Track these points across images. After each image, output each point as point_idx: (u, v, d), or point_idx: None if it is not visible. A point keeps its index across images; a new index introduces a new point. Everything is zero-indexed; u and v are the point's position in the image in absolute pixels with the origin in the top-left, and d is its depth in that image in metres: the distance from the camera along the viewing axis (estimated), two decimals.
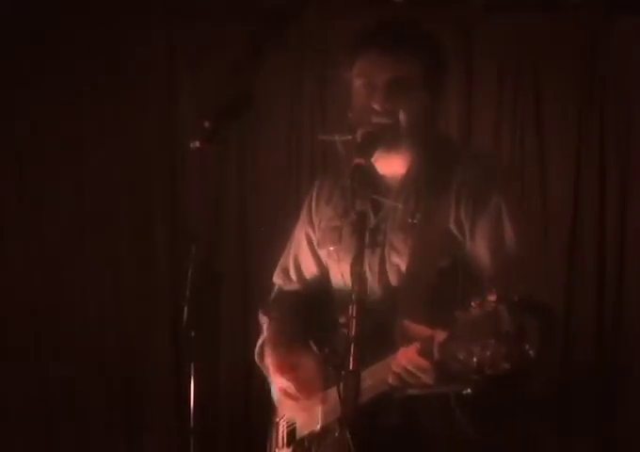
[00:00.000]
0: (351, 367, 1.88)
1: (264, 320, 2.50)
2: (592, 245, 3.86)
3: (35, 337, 4.03)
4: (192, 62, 3.97)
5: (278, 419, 2.48)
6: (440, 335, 1.88)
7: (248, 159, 4.03)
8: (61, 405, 4.03)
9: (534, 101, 3.89)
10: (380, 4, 3.67)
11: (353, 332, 1.89)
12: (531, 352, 1.73)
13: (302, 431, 2.37)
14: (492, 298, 1.75)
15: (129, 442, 4.04)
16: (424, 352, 1.95)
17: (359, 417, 1.87)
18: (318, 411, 2.30)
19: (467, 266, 2.17)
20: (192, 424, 2.27)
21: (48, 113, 3.92)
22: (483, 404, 2.01)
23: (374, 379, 2.00)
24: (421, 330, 1.98)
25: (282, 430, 2.44)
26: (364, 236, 2.01)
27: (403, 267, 2.20)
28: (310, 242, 2.46)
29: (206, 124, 2.22)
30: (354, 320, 1.89)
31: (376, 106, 2.16)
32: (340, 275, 2.34)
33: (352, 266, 1.95)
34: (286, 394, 2.37)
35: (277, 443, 2.47)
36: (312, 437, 2.31)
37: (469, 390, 1.92)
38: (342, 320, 1.97)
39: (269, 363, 2.42)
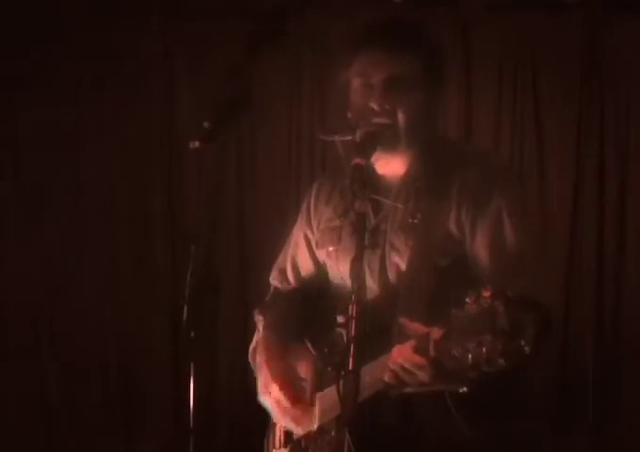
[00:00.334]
0: (350, 367, 1.88)
1: (259, 319, 2.50)
2: (591, 244, 3.86)
3: (35, 337, 4.03)
4: (192, 62, 3.97)
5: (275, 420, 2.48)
6: (436, 332, 1.87)
7: (247, 159, 4.03)
8: (61, 405, 4.03)
9: (533, 100, 3.89)
10: (380, 4, 3.67)
11: (353, 332, 1.89)
12: (526, 348, 1.72)
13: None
14: (487, 294, 1.75)
15: (128, 441, 4.04)
16: (420, 349, 1.94)
17: (357, 416, 1.87)
18: (315, 411, 2.30)
19: (467, 266, 2.17)
20: (192, 424, 2.26)
21: (47, 113, 3.92)
22: (479, 403, 2.00)
23: (370, 376, 1.99)
24: (417, 327, 1.98)
25: (280, 431, 2.44)
26: (364, 237, 2.00)
27: (403, 267, 2.20)
28: (308, 243, 2.45)
29: (205, 124, 2.22)
30: (353, 320, 1.89)
31: (374, 106, 2.16)
32: (339, 275, 2.33)
33: (352, 266, 1.95)
34: (278, 405, 2.35)
35: (274, 443, 2.46)
36: (309, 437, 2.31)
37: (465, 388, 1.92)
38: (340, 320, 1.96)
39: (261, 367, 2.41)
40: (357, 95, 2.21)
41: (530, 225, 2.24)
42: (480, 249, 2.16)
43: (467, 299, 1.77)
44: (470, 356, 1.76)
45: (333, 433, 2.20)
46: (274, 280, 2.56)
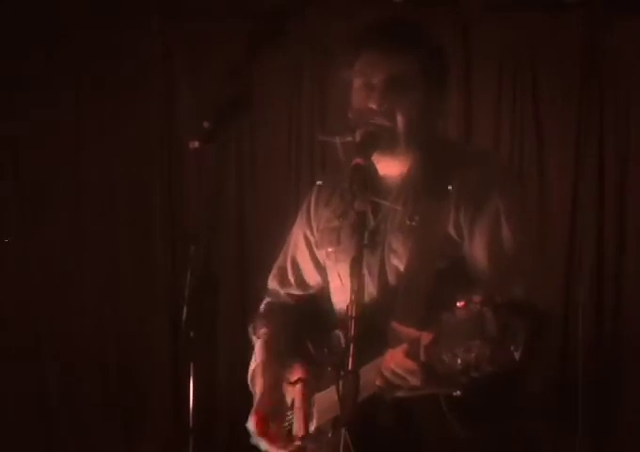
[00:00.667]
0: (350, 367, 1.88)
1: (254, 339, 2.51)
2: (591, 244, 3.85)
3: (35, 337, 4.04)
4: (191, 62, 3.98)
5: None
6: (426, 337, 1.87)
7: (247, 159, 4.03)
8: (61, 405, 4.04)
9: (533, 100, 3.89)
10: (380, 4, 3.67)
11: (352, 332, 1.89)
12: (516, 354, 1.72)
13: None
14: (477, 299, 1.74)
15: (128, 441, 4.04)
16: (411, 354, 1.93)
17: (355, 417, 1.87)
18: (313, 412, 2.31)
19: (465, 269, 2.16)
20: (192, 424, 2.26)
21: (47, 113, 3.92)
22: (473, 405, 2.00)
23: (364, 379, 2.00)
24: (409, 331, 1.97)
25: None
26: (363, 238, 2.00)
27: (402, 269, 2.20)
28: (308, 243, 2.45)
29: (205, 124, 2.22)
30: (353, 320, 1.89)
31: (373, 106, 2.16)
32: (338, 276, 2.33)
33: (351, 267, 1.95)
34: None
35: None
36: (307, 438, 2.31)
37: (458, 392, 1.92)
38: (340, 321, 1.96)
39: (254, 394, 2.44)
40: (357, 95, 2.20)
41: (528, 226, 2.23)
42: (478, 250, 2.15)
43: (457, 304, 1.77)
44: (459, 361, 1.75)
45: (330, 434, 2.20)
46: (273, 281, 2.55)
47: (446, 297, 1.83)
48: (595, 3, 3.80)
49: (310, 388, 2.32)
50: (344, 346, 1.93)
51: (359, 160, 2.06)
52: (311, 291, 2.50)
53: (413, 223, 2.19)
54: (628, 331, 3.85)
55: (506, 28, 3.86)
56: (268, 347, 2.45)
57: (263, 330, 2.48)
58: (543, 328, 1.89)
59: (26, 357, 4.02)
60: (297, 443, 2.30)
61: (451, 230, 2.17)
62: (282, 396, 2.39)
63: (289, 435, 2.35)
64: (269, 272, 2.57)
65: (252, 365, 2.49)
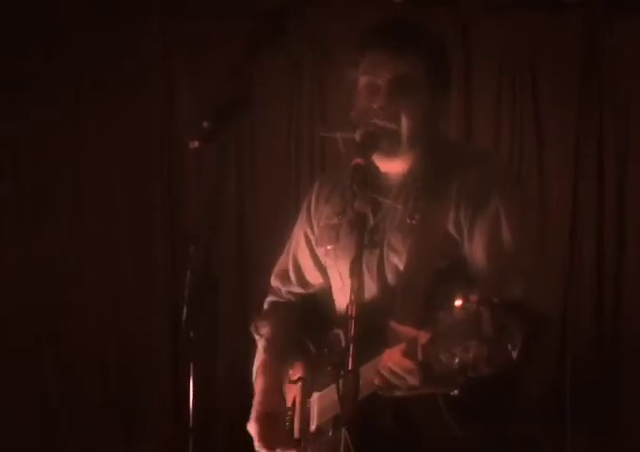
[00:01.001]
0: (350, 367, 1.88)
1: (257, 338, 2.51)
2: (591, 244, 3.85)
3: (35, 337, 4.03)
4: (191, 62, 3.97)
5: None
6: (423, 336, 1.87)
7: (247, 159, 4.03)
8: (61, 405, 4.03)
9: (533, 100, 3.89)
10: (380, 4, 3.67)
11: (352, 332, 1.89)
12: (513, 354, 1.72)
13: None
14: (474, 299, 1.74)
15: (128, 442, 4.04)
16: (409, 353, 1.93)
17: (355, 416, 1.87)
18: (313, 411, 2.31)
19: (465, 268, 2.16)
20: (192, 424, 2.26)
21: (47, 113, 3.92)
22: (471, 404, 2.00)
23: (363, 378, 2.00)
24: (407, 330, 1.98)
25: None
26: (363, 236, 2.01)
27: (401, 268, 2.20)
28: (308, 242, 2.45)
29: (205, 124, 2.22)
30: (352, 320, 1.89)
31: (376, 106, 2.16)
32: (337, 274, 2.33)
33: (351, 267, 1.95)
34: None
35: None
36: (308, 437, 2.31)
37: (456, 391, 1.92)
38: (339, 320, 1.97)
39: (255, 394, 2.45)
40: (361, 95, 2.20)
41: (528, 226, 2.24)
42: (478, 249, 2.16)
43: (455, 304, 1.77)
44: (456, 360, 1.76)
45: (330, 434, 2.20)
46: (275, 280, 2.56)
47: (445, 296, 1.83)
48: (595, 3, 3.80)
49: (310, 387, 2.32)
50: (344, 345, 1.94)
51: (359, 160, 2.06)
52: (311, 290, 2.50)
53: (413, 222, 2.19)
54: (628, 331, 3.85)
55: (506, 28, 3.86)
56: (270, 346, 2.45)
57: (264, 330, 2.48)
58: (540, 330, 1.89)
59: (26, 357, 4.02)
60: (297, 442, 2.31)
61: (451, 229, 2.17)
62: (283, 396, 2.40)
63: (289, 434, 2.35)
64: (269, 272, 2.58)
65: (256, 364, 2.49)
